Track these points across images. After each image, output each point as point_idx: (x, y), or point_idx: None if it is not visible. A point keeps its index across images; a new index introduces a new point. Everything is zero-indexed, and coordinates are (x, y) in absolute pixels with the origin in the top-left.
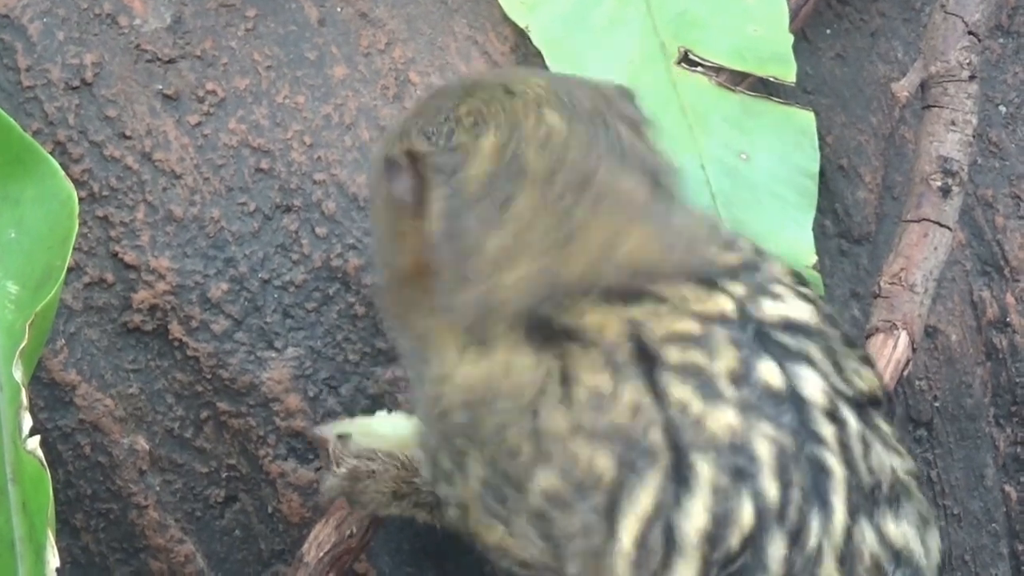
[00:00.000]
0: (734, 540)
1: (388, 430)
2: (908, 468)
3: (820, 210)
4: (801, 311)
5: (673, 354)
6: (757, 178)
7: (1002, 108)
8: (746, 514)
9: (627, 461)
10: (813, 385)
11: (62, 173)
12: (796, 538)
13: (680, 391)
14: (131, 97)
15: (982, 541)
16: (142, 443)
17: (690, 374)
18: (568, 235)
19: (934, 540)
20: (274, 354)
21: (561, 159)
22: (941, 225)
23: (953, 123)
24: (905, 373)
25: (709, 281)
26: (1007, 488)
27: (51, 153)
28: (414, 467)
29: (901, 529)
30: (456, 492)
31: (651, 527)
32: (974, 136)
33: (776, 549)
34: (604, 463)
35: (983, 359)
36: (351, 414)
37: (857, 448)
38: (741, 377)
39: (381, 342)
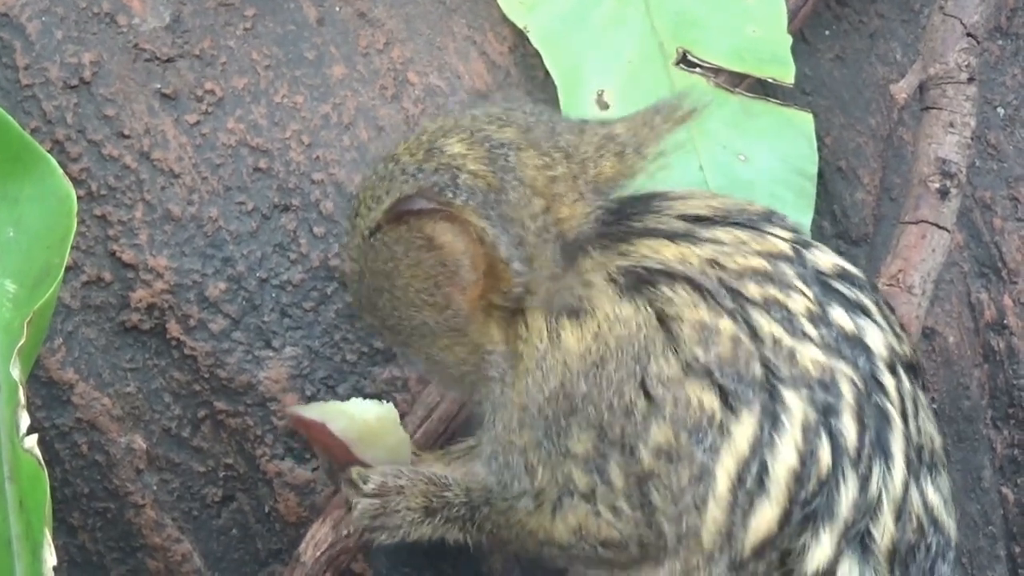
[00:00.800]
0: (814, 480)
1: (358, 412)
2: (941, 443)
3: (818, 211)
4: (847, 263)
5: (753, 289)
6: (755, 179)
7: (1000, 110)
8: (825, 454)
9: (732, 396)
10: (875, 335)
11: (61, 172)
12: (864, 484)
13: (769, 325)
14: (129, 96)
15: (979, 543)
16: (139, 442)
17: (774, 309)
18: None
19: (955, 519)
20: (272, 353)
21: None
22: (939, 227)
23: (951, 125)
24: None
25: (753, 227)
26: (1004, 490)
27: (49, 152)
28: (443, 482)
29: (938, 497)
30: (536, 485)
31: (748, 466)
32: (972, 138)
33: (850, 491)
34: (711, 400)
35: (981, 361)
36: None
37: (910, 406)
38: (818, 317)
39: (378, 342)
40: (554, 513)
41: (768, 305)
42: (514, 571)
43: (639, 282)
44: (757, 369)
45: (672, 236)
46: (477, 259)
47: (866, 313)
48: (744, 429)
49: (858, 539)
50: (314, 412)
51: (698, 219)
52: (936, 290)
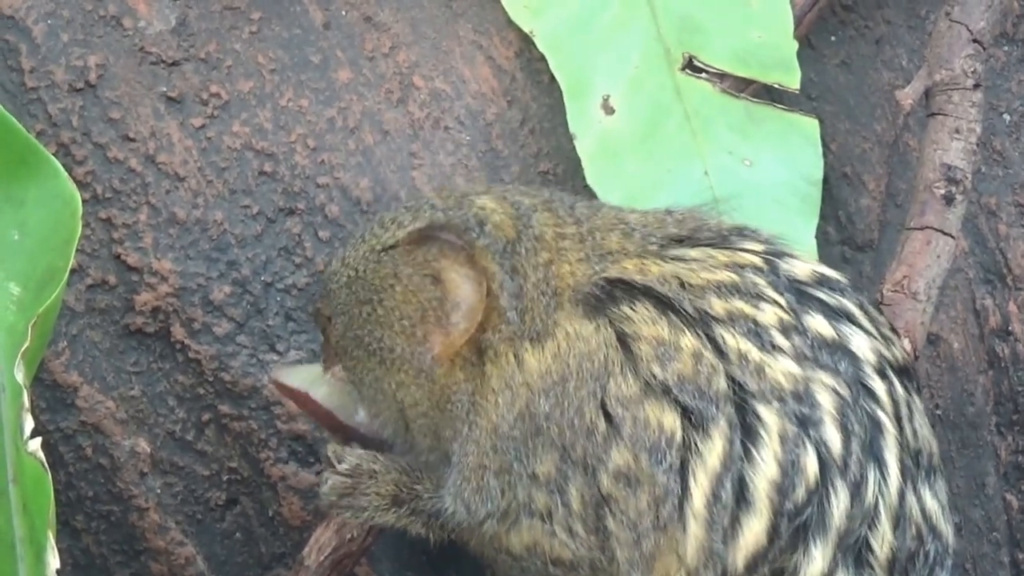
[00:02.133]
0: (801, 491)
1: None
2: (936, 449)
3: (823, 217)
4: (827, 268)
5: (716, 304)
6: (761, 184)
7: (1006, 116)
8: (811, 464)
9: (695, 413)
10: (860, 341)
11: (66, 175)
12: (856, 492)
13: (734, 340)
14: (135, 99)
15: (983, 549)
16: (143, 445)
17: (740, 323)
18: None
19: (952, 526)
20: (276, 357)
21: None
22: (944, 233)
23: (957, 131)
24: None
25: (723, 244)
26: (1008, 497)
27: (54, 154)
28: (416, 475)
29: (935, 503)
30: (502, 506)
31: (722, 482)
32: (978, 144)
33: (840, 501)
34: (671, 420)
35: (985, 367)
36: None
37: (904, 411)
38: (791, 327)
39: None
40: (510, 528)
41: (733, 319)
42: None
43: (600, 301)
44: (722, 384)
45: (640, 254)
46: (477, 307)
47: (850, 319)
48: (714, 445)
49: (854, 551)
50: (297, 378)
51: (670, 240)
52: (941, 296)
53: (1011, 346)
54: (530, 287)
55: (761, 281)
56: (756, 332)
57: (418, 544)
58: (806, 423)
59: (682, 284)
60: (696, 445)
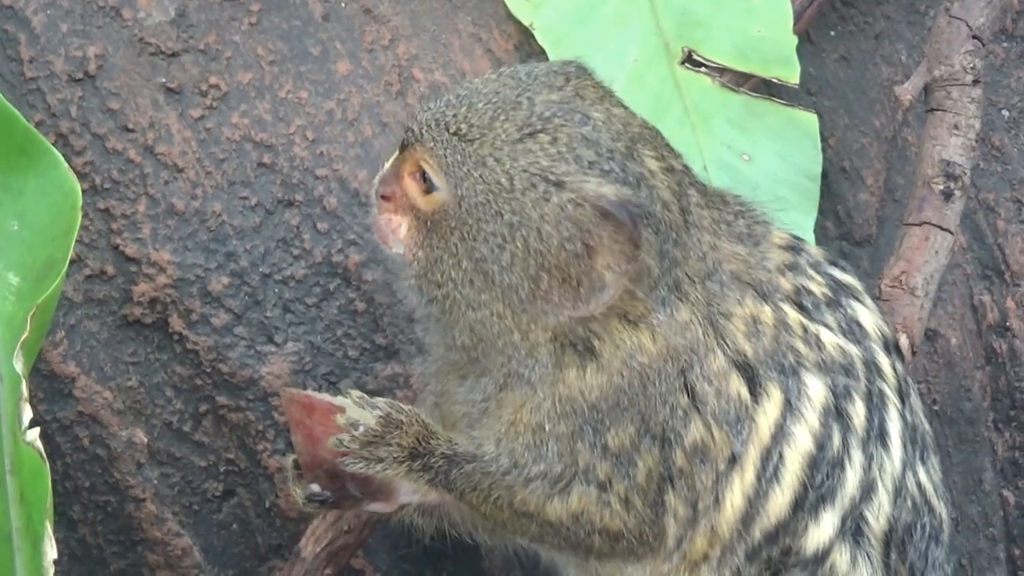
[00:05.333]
0: (826, 463)
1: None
2: (930, 428)
3: (821, 212)
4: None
5: (784, 283)
6: (759, 179)
7: (1005, 112)
8: (836, 437)
9: (760, 383)
10: (866, 316)
11: (65, 165)
12: (870, 464)
13: (794, 313)
14: (134, 90)
15: (979, 545)
16: (141, 436)
17: (798, 298)
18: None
19: (947, 504)
20: (274, 349)
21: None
22: (943, 229)
23: (956, 127)
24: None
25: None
26: (1005, 493)
27: (53, 145)
28: (432, 429)
29: (929, 480)
30: (559, 471)
31: (770, 454)
32: (977, 140)
33: (856, 473)
34: (744, 391)
35: (983, 363)
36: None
37: (904, 385)
38: (834, 302)
39: (381, 338)
40: (558, 493)
41: (797, 295)
42: (514, 569)
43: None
44: (790, 357)
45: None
46: (616, 294)
47: (856, 295)
48: (767, 416)
49: (854, 524)
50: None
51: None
52: (939, 292)
53: (1008, 342)
54: (685, 275)
55: (803, 261)
56: (816, 306)
57: (415, 537)
58: (844, 396)
59: (751, 265)
60: (753, 417)
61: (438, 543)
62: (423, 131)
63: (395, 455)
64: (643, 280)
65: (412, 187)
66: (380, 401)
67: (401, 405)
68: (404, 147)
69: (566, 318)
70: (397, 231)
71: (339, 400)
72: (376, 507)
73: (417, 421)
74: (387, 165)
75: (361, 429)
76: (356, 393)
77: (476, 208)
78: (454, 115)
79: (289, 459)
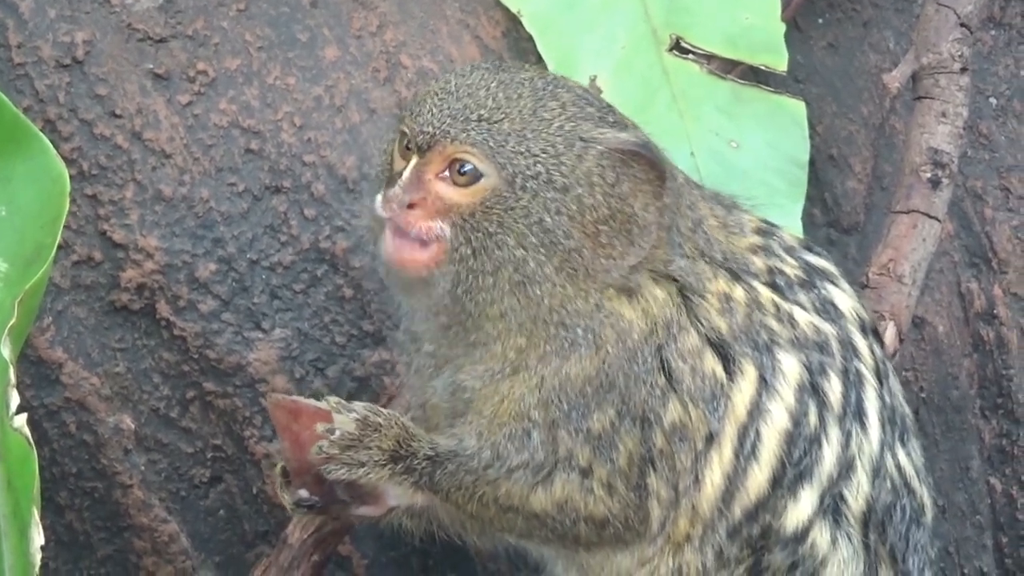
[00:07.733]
0: (803, 440)
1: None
2: (910, 411)
3: (809, 199)
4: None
5: (756, 262)
6: (747, 166)
7: (993, 100)
8: (812, 414)
9: (735, 361)
10: (842, 299)
11: (54, 151)
12: (846, 442)
13: (767, 292)
14: (122, 76)
15: (966, 533)
16: (128, 422)
17: (771, 278)
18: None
19: (929, 488)
20: (261, 335)
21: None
22: (930, 216)
23: (944, 115)
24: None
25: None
26: (992, 480)
27: (41, 131)
28: (413, 431)
29: (910, 462)
30: (540, 459)
31: (747, 431)
32: (964, 128)
33: (833, 450)
34: (719, 369)
35: (970, 351)
36: (337, 396)
37: (883, 368)
38: (807, 283)
39: (368, 324)
40: (541, 483)
41: (769, 274)
42: (499, 554)
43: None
44: (763, 334)
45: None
46: (657, 229)
47: (831, 279)
48: (743, 393)
49: (832, 502)
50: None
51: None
52: (926, 280)
53: (996, 329)
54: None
55: (775, 243)
56: (789, 285)
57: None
58: (819, 372)
59: (722, 244)
60: (729, 395)
61: (427, 544)
62: (446, 128)
63: (376, 458)
64: (670, 227)
65: (444, 187)
66: (357, 405)
67: (379, 408)
68: (422, 151)
69: (626, 269)
70: (430, 234)
71: (325, 404)
72: (365, 511)
73: (396, 424)
74: (405, 175)
75: (337, 433)
76: (333, 399)
77: (530, 181)
78: (465, 105)
79: (278, 466)
